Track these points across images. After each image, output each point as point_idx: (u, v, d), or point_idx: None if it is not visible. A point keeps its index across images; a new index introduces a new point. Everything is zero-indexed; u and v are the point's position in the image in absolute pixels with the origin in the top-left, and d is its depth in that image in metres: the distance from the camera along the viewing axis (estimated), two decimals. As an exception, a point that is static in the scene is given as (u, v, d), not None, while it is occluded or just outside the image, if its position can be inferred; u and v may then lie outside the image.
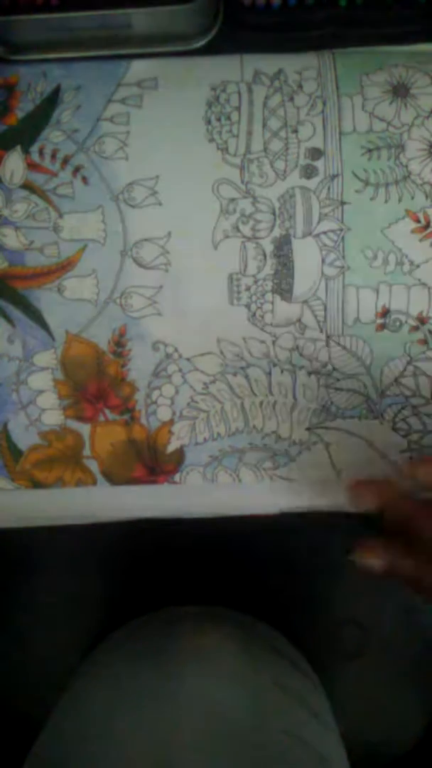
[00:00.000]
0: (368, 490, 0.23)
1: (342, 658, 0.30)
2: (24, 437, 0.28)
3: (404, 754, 0.31)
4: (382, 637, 0.30)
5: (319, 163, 0.25)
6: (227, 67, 0.26)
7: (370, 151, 0.25)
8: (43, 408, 0.27)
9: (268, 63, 0.26)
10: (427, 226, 0.25)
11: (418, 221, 0.25)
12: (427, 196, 0.25)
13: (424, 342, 0.26)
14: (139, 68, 0.26)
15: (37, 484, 0.28)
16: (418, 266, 0.26)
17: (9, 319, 0.27)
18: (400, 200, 0.25)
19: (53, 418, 0.27)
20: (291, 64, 0.26)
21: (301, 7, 0.27)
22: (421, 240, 0.25)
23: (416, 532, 0.21)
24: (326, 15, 0.26)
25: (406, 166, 0.25)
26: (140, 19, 0.26)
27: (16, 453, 0.28)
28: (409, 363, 0.26)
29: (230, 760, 0.20)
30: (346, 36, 0.27)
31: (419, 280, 0.26)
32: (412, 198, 0.25)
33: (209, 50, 0.27)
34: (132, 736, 0.21)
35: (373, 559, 0.22)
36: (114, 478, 0.28)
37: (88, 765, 0.20)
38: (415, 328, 0.26)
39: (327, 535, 0.29)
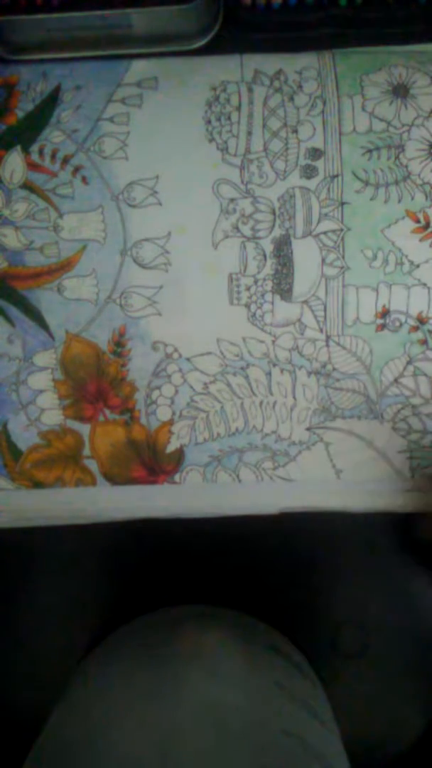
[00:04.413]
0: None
1: (342, 658, 0.30)
2: (24, 437, 0.28)
3: (404, 754, 0.31)
4: (382, 637, 0.30)
5: (319, 164, 0.26)
6: (227, 67, 0.27)
7: (370, 151, 0.25)
8: (42, 408, 0.27)
9: (268, 63, 0.26)
10: (426, 227, 0.25)
11: (418, 221, 0.25)
12: (426, 197, 0.25)
13: (424, 342, 0.26)
14: (139, 68, 0.27)
15: (37, 484, 0.28)
16: (417, 266, 0.26)
17: (9, 319, 0.27)
18: (399, 200, 0.25)
19: (53, 417, 0.27)
20: (291, 64, 0.26)
21: (301, 7, 0.27)
22: (421, 240, 0.25)
23: None
24: (326, 15, 0.27)
25: (406, 167, 0.25)
26: (140, 19, 0.26)
27: (15, 453, 0.28)
28: (409, 363, 0.26)
29: (230, 759, 0.20)
30: (346, 36, 0.27)
31: (419, 280, 0.26)
32: (412, 198, 0.25)
33: (209, 50, 0.27)
34: (132, 735, 0.21)
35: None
36: (114, 478, 0.28)
37: (88, 763, 0.20)
38: (415, 328, 0.26)
39: (327, 535, 0.30)
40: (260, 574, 0.30)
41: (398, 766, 0.31)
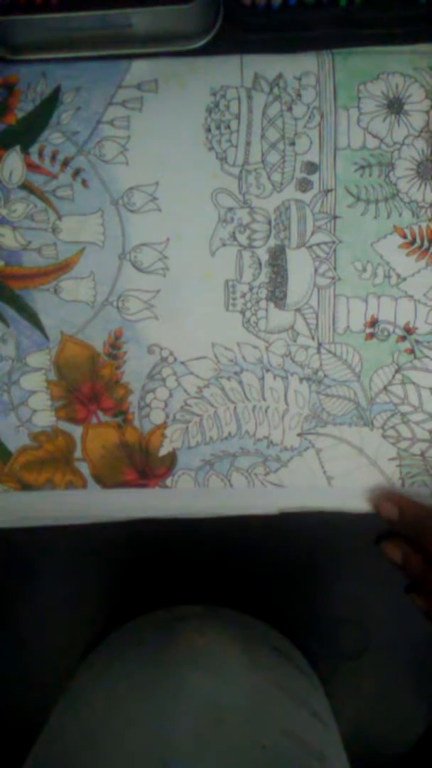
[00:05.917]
0: (388, 500, 0.31)
1: (342, 658, 0.34)
2: (14, 438, 0.32)
3: (404, 754, 0.34)
4: (382, 637, 0.34)
5: (314, 177, 0.30)
6: (227, 70, 0.31)
7: (362, 167, 0.30)
8: (34, 409, 0.32)
9: (268, 66, 0.30)
10: (413, 242, 0.30)
11: (405, 237, 0.30)
12: (413, 214, 0.30)
13: (411, 351, 0.31)
14: (139, 69, 0.31)
15: (25, 486, 0.32)
16: (404, 279, 0.31)
17: (2, 318, 0.31)
18: (388, 216, 0.30)
19: (45, 419, 0.32)
20: (290, 67, 0.30)
21: (301, 7, 0.31)
22: (407, 254, 0.30)
23: (423, 534, 0.29)
24: (326, 15, 0.31)
25: (395, 185, 0.30)
26: (140, 19, 0.30)
27: (4, 454, 0.32)
28: (397, 371, 0.31)
29: (230, 759, 0.23)
30: (346, 36, 0.31)
31: (405, 292, 0.31)
32: (400, 215, 0.30)
33: (209, 50, 0.31)
34: (132, 735, 0.24)
35: (393, 549, 0.30)
36: (104, 480, 0.32)
37: (89, 763, 0.23)
38: (403, 338, 0.31)
39: (327, 535, 0.34)
40: (261, 574, 0.34)
41: (398, 766, 0.34)
